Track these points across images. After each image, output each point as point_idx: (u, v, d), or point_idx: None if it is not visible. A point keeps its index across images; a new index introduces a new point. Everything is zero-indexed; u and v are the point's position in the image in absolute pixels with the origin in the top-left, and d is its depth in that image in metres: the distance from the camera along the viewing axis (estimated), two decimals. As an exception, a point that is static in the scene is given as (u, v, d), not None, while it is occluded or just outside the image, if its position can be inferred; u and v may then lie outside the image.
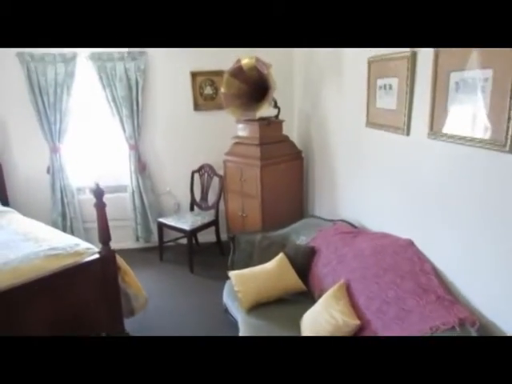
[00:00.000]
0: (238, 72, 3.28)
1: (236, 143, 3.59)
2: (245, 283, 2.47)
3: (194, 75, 3.99)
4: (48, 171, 4.01)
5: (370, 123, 2.39)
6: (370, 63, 2.32)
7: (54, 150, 3.94)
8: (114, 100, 3.88)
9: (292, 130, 3.94)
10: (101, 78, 3.81)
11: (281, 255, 2.58)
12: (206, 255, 3.99)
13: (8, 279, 2.23)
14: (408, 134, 1.95)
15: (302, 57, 3.81)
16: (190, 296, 3.31)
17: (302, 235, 2.81)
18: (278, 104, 3.44)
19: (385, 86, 2.15)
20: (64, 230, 4.02)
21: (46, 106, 3.83)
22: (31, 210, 3.83)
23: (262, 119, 3.36)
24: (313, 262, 2.54)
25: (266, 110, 3.21)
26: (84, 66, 3.82)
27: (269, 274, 2.49)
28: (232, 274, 2.58)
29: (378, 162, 2.37)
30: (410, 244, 1.95)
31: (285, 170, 3.46)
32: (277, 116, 3.50)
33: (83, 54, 3.76)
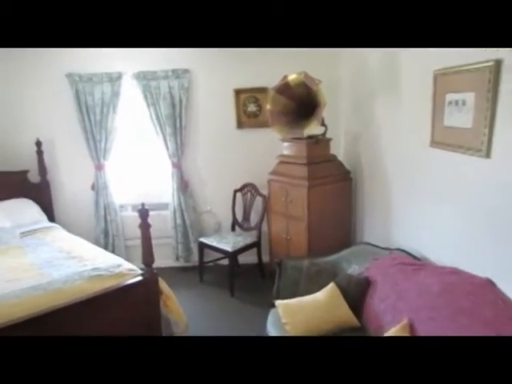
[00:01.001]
0: (284, 88, 3.16)
1: (281, 162, 3.46)
2: (293, 315, 2.28)
3: (237, 92, 3.92)
4: (92, 188, 4.04)
5: (436, 143, 2.17)
6: (436, 76, 2.11)
7: (99, 168, 3.98)
8: (157, 118, 3.87)
9: (339, 149, 3.75)
10: (145, 96, 3.82)
11: (332, 285, 2.38)
12: (246, 278, 3.84)
13: (52, 300, 2.20)
14: (488, 155, 1.72)
15: (349, 71, 3.64)
16: (231, 321, 3.15)
17: (353, 264, 2.60)
18: (325, 121, 3.28)
19: (456, 101, 1.93)
20: (106, 247, 4.03)
21: (93, 124, 3.88)
22: (75, 227, 3.86)
23: (308, 137, 3.21)
24: (367, 295, 2.31)
25: (314, 129, 3.06)
26: (129, 85, 3.85)
27: (319, 305, 2.30)
28: (279, 303, 2.40)
29: (446, 186, 2.12)
30: (489, 284, 1.70)
31: (332, 191, 3.27)
32: (324, 134, 3.33)
33: (129, 73, 3.80)
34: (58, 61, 3.72)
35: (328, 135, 3.34)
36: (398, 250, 2.50)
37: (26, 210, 3.68)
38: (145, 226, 2.55)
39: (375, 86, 3.08)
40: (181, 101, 3.85)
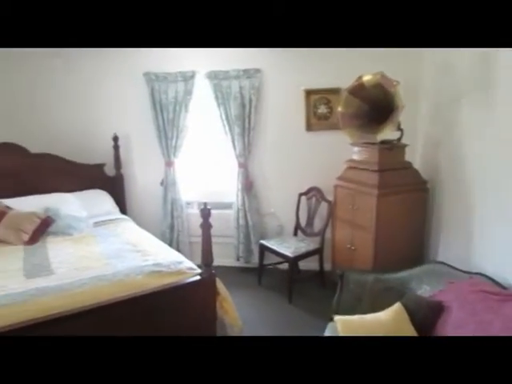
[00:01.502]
0: (358, 90, 2.98)
1: (350, 167, 3.27)
2: (352, 333, 2.11)
3: (308, 93, 3.79)
4: (161, 184, 4.17)
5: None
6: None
7: (169, 165, 4.10)
8: (227, 118, 3.89)
9: (415, 157, 3.45)
10: (216, 96, 3.86)
11: (398, 305, 2.17)
12: (306, 285, 3.71)
13: (114, 292, 2.26)
14: None
15: (432, 71, 3.32)
16: (287, 330, 3.04)
17: (424, 284, 2.35)
18: (401, 126, 3.03)
19: None
20: (171, 241, 4.14)
21: (165, 122, 4.00)
22: (144, 220, 4.01)
23: (382, 142, 2.99)
24: (439, 322, 2.07)
25: (389, 133, 2.84)
26: (201, 85, 3.91)
27: (382, 326, 2.10)
28: (338, 319, 2.25)
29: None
30: None
31: (405, 201, 3.01)
32: (399, 139, 3.08)
33: (202, 72, 3.85)
34: (136, 60, 3.90)
35: (404, 140, 3.09)
36: (480, 274, 2.21)
37: (101, 201, 3.91)
38: (206, 226, 2.55)
39: (462, 89, 2.76)
40: (251, 101, 3.82)
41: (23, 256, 2.74)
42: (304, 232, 3.84)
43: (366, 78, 2.89)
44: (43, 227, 3.16)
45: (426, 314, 2.12)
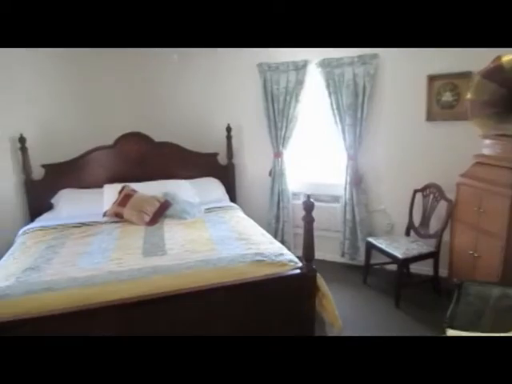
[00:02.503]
0: (494, 72, 2.56)
1: (478, 163, 2.86)
2: (468, 354, 1.86)
3: (431, 79, 3.40)
4: (270, 174, 4.23)
5: None
6: None
7: (277, 155, 4.12)
8: (338, 108, 3.73)
9: None
10: (328, 84, 3.72)
11: (531, 330, 1.83)
12: (416, 290, 3.40)
13: (217, 277, 2.33)
14: None
15: None
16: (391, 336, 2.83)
17: None
18: (551, 115, 2.52)
19: None
20: (276, 231, 4.20)
21: (276, 113, 4.02)
22: (251, 209, 4.12)
23: (521, 135, 2.54)
24: None
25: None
26: (313, 73, 3.82)
27: (508, 351, 1.80)
28: (452, 333, 2.00)
29: None
30: None
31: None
32: (546, 131, 2.57)
33: (314, 60, 3.75)
34: (251, 51, 3.94)
35: (553, 133, 2.57)
36: None
37: (213, 189, 4.12)
38: (308, 220, 2.49)
39: None
40: (364, 89, 3.59)
41: (143, 236, 3.03)
42: (417, 233, 3.50)
43: (507, 57, 2.46)
44: (162, 210, 3.47)
45: None
